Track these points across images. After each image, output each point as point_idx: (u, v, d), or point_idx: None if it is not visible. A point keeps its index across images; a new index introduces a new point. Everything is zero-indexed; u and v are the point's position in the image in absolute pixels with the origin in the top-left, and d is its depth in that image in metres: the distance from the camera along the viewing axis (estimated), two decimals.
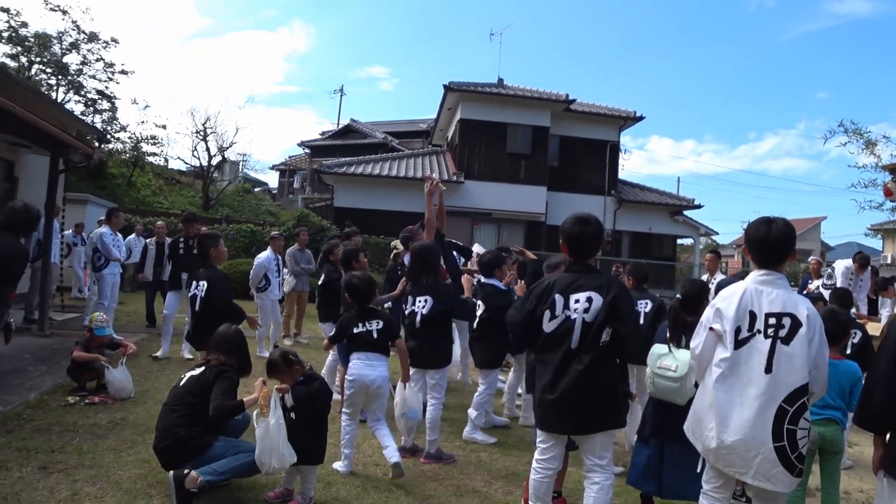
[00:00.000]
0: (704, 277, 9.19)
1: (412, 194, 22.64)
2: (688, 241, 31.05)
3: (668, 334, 4.67)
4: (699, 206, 26.28)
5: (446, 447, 5.63)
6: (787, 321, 3.14)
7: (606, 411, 3.62)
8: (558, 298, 3.67)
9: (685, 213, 26.45)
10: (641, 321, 5.72)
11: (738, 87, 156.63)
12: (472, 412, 6.13)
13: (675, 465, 4.28)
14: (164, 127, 28.43)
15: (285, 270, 10.40)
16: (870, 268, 10.10)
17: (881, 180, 10.22)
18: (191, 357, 8.23)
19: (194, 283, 5.93)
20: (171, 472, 4.04)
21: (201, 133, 28.39)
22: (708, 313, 3.39)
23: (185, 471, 3.99)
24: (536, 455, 3.84)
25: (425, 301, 5.43)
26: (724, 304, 3.29)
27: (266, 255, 9.57)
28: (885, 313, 9.03)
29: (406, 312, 5.59)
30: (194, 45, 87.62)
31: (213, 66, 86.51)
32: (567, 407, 3.62)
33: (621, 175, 26.81)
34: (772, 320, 3.16)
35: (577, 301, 3.60)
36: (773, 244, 3.30)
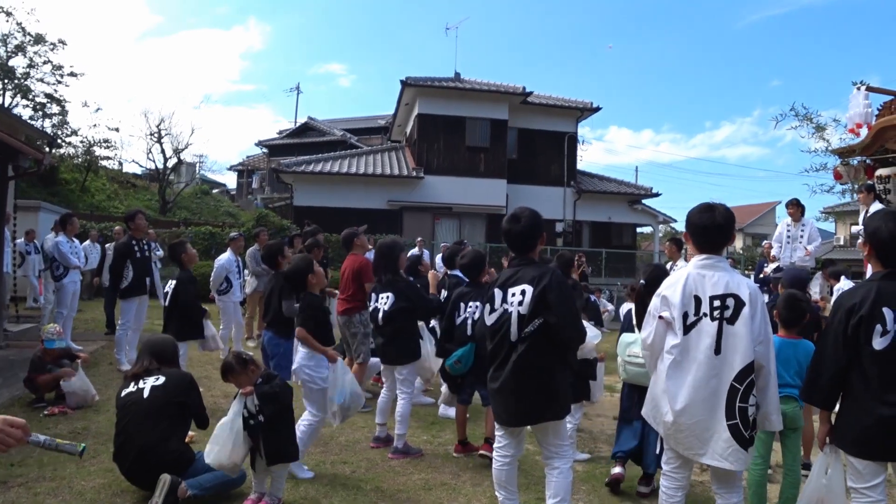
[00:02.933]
0: (668, 265, 9.39)
1: (371, 191, 22.60)
2: (647, 230, 31.53)
3: (633, 321, 4.78)
4: (657, 195, 26.68)
5: (414, 441, 5.66)
6: (731, 302, 3.25)
7: (544, 403, 3.65)
8: (497, 292, 3.78)
9: (644, 201, 26.82)
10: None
11: (694, 77, 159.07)
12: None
13: (656, 439, 4.43)
14: (117, 129, 27.98)
15: (246, 272, 10.30)
16: (812, 222, 10.40)
17: (831, 164, 10.45)
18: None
19: (169, 280, 6.75)
20: (167, 475, 4.03)
21: (156, 135, 27.98)
22: (655, 302, 3.47)
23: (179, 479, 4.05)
24: (495, 445, 3.91)
25: (387, 298, 5.45)
26: (670, 292, 3.38)
27: (226, 256, 9.46)
28: (815, 291, 9.25)
29: (370, 309, 5.62)
30: (146, 44, 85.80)
31: (167, 65, 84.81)
32: (506, 399, 3.71)
33: (580, 166, 27.08)
34: (716, 302, 3.26)
35: (513, 294, 3.68)
36: (717, 229, 3.40)
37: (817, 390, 3.36)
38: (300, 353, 4.85)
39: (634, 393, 4.69)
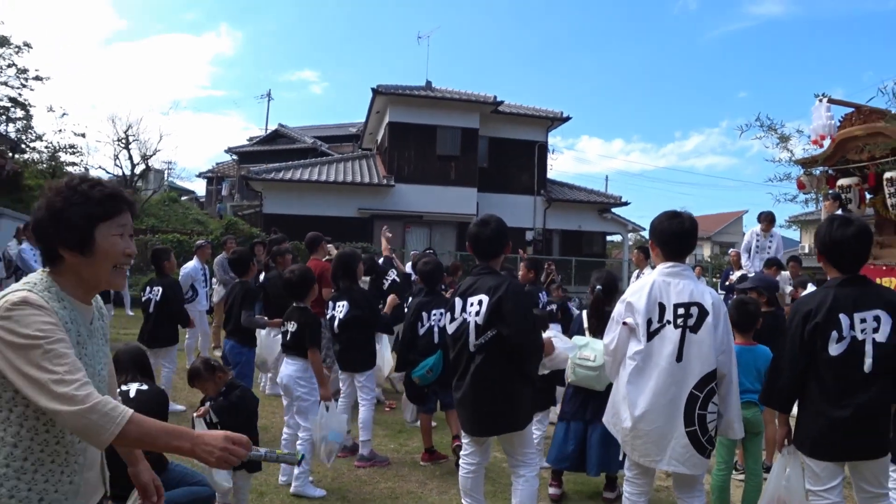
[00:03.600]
0: (635, 273, 9.50)
1: (342, 199, 22.51)
2: (617, 238, 31.75)
3: (584, 324, 4.83)
4: (626, 203, 26.92)
5: (381, 450, 5.64)
6: (694, 310, 3.29)
7: (502, 415, 3.64)
8: (457, 302, 3.78)
9: (613, 210, 27.03)
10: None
11: (664, 88, 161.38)
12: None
13: (599, 442, 4.49)
14: (83, 135, 27.19)
15: (214, 280, 10.19)
16: (779, 234, 10.62)
17: (795, 174, 10.63)
18: None
19: (148, 288, 6.93)
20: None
21: (123, 141, 27.46)
22: (619, 308, 3.49)
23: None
24: (461, 453, 3.92)
25: (343, 306, 5.46)
26: (635, 298, 3.40)
27: (192, 264, 9.33)
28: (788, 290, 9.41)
29: (328, 317, 5.65)
30: (114, 48, 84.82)
31: (135, 70, 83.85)
32: (468, 409, 3.72)
33: (550, 175, 27.24)
34: (680, 310, 3.30)
35: (471, 304, 3.68)
36: (684, 236, 3.45)
37: (776, 394, 3.44)
38: (292, 366, 4.81)
39: (578, 396, 4.74)
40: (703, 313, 3.28)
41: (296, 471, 4.55)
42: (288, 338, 4.86)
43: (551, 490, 4.83)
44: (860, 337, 3.14)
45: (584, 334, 4.84)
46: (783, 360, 3.38)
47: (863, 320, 3.15)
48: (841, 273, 3.30)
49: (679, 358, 3.26)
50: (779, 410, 3.50)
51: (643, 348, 3.34)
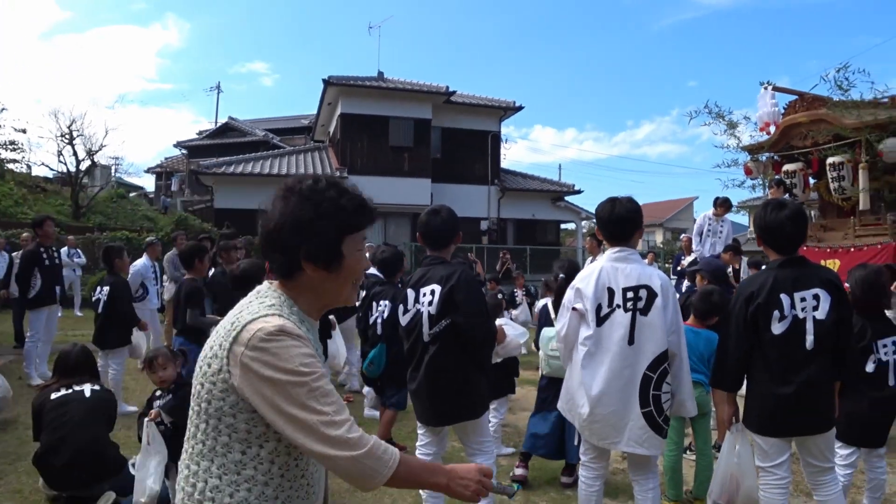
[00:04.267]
0: (588, 260, 9.60)
1: None
2: (571, 226, 32.09)
3: (551, 315, 4.87)
4: (579, 192, 27.22)
5: None
6: (643, 293, 3.36)
7: (458, 404, 3.66)
8: (410, 292, 3.77)
9: (567, 198, 27.29)
10: None
11: (616, 77, 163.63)
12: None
13: (574, 431, 4.50)
14: (24, 131, 26.37)
15: (164, 278, 9.99)
16: (729, 220, 10.87)
17: (742, 160, 10.90)
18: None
19: (98, 288, 6.77)
20: (111, 493, 3.93)
21: (67, 136, 26.65)
22: (569, 295, 3.54)
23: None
24: (417, 443, 3.93)
25: None
26: (583, 285, 3.46)
27: (142, 262, 9.14)
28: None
29: None
30: (56, 41, 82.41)
31: (78, 63, 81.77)
32: (423, 400, 3.73)
33: (504, 164, 27.35)
34: (629, 294, 3.36)
35: (424, 294, 3.68)
36: (617, 220, 3.52)
37: (724, 374, 3.54)
38: None
39: (553, 386, 4.78)
40: (652, 295, 3.35)
41: None
42: None
43: (518, 471, 4.88)
44: (801, 315, 3.25)
45: (551, 325, 4.87)
46: (729, 341, 3.48)
47: (803, 299, 3.26)
48: (779, 255, 3.40)
49: (631, 341, 3.33)
50: (726, 390, 3.59)
51: (593, 333, 3.39)
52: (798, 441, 3.39)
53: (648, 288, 3.36)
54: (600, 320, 3.39)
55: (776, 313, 3.26)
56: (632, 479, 3.62)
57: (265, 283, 1.73)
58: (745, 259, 9.76)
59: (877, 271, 4.30)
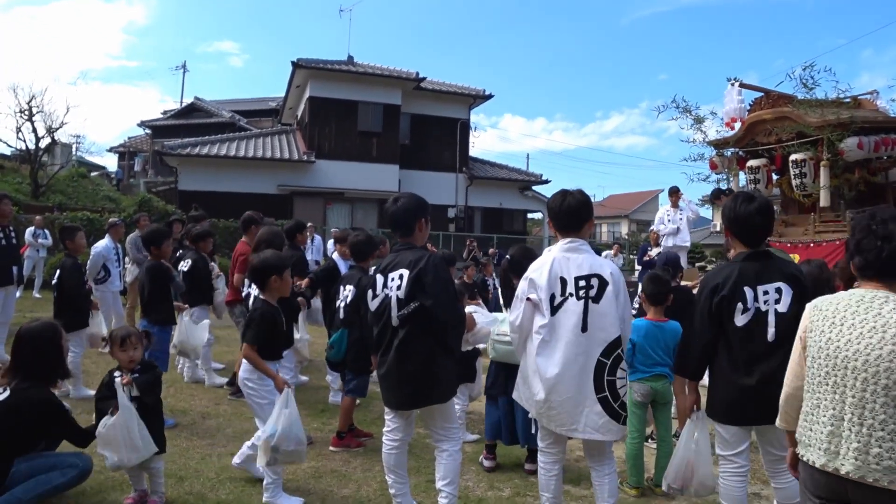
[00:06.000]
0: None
1: (261, 175, 22.06)
2: (538, 216, 32.28)
3: (500, 300, 4.94)
4: (547, 182, 27.45)
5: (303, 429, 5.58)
6: (595, 282, 3.46)
7: (428, 388, 3.69)
8: (379, 278, 3.82)
9: (534, 188, 27.45)
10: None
11: (587, 68, 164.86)
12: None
13: (524, 415, 4.55)
14: None
15: (127, 259, 9.83)
16: (689, 205, 11.15)
17: (708, 155, 11.06)
18: None
19: (58, 270, 6.57)
20: None
21: (26, 112, 25.99)
22: (523, 285, 3.63)
23: None
24: (384, 429, 3.93)
25: None
26: (537, 275, 3.55)
27: (104, 243, 8.94)
28: None
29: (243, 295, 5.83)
30: (16, 13, 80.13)
31: (39, 37, 79.66)
32: (391, 384, 3.76)
33: (473, 152, 27.40)
34: (581, 283, 3.46)
35: (392, 279, 3.72)
36: (568, 212, 3.63)
37: (687, 363, 3.65)
38: (244, 365, 4.26)
39: (502, 371, 4.85)
40: (603, 284, 3.46)
41: (265, 480, 4.15)
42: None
43: (486, 463, 4.96)
44: (763, 308, 3.32)
45: (500, 309, 4.93)
46: (693, 331, 3.56)
47: (765, 292, 3.33)
48: (747, 247, 3.48)
49: (584, 328, 3.42)
50: (689, 378, 3.70)
51: (548, 322, 3.47)
52: (758, 430, 3.46)
53: (600, 277, 3.46)
54: (554, 309, 3.47)
55: (739, 305, 3.33)
56: (589, 465, 3.72)
57: None
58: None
59: (820, 265, 4.50)
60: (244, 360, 4.24)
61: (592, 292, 3.44)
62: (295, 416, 3.96)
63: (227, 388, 6.79)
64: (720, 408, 3.47)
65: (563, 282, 3.47)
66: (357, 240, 5.64)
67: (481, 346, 4.89)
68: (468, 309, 4.52)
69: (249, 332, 4.20)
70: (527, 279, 3.60)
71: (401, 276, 3.68)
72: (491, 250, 15.14)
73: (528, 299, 3.55)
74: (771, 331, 3.31)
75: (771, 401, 3.32)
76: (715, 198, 9.83)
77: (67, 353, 4.11)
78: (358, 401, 5.72)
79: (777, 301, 3.33)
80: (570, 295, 3.45)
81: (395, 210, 3.86)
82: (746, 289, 3.34)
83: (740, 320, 3.34)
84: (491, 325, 4.78)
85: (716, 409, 3.50)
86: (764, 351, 3.32)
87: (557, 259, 3.54)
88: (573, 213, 3.62)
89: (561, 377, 3.41)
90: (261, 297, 4.39)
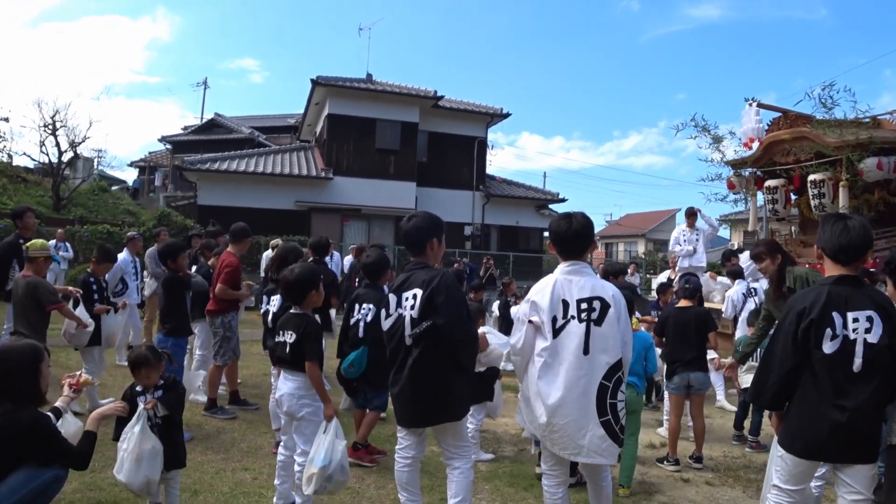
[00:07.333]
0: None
1: (279, 191, 22.22)
2: None
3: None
4: (563, 200, 27.45)
5: None
6: (597, 304, 3.45)
7: (441, 406, 3.69)
8: (392, 297, 3.82)
9: (551, 206, 27.43)
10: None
11: (605, 87, 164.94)
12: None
13: None
14: (6, 119, 26.11)
15: (145, 273, 9.92)
16: (707, 222, 11.12)
17: (725, 174, 11.04)
18: None
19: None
20: None
21: (50, 126, 26.37)
22: (524, 308, 3.63)
23: None
24: (396, 446, 3.93)
25: (277, 300, 5.60)
26: (539, 297, 3.54)
27: (122, 256, 9.03)
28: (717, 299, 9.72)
29: (262, 311, 5.78)
30: (42, 28, 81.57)
31: (64, 52, 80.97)
32: (405, 403, 3.77)
33: (490, 170, 27.47)
34: (584, 305, 3.45)
35: (406, 299, 3.74)
36: (575, 237, 3.61)
37: (763, 392, 3.34)
38: (292, 383, 4.12)
39: None
40: (605, 307, 3.44)
41: (297, 500, 4.14)
42: (287, 350, 4.12)
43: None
44: (852, 336, 3.08)
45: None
46: (773, 357, 3.29)
47: (855, 320, 3.09)
48: (840, 268, 3.23)
49: (586, 351, 3.40)
50: (766, 409, 3.52)
51: (550, 344, 3.46)
52: (838, 468, 3.18)
53: (602, 299, 3.45)
54: (556, 332, 3.46)
55: (828, 331, 3.09)
56: (586, 476, 3.84)
57: None
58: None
59: None
60: (291, 378, 4.12)
61: (594, 315, 3.43)
62: (344, 445, 3.98)
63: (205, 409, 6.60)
64: (801, 439, 3.19)
65: (566, 304, 3.48)
66: (368, 261, 5.71)
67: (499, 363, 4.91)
68: (481, 330, 4.53)
69: (312, 347, 4.06)
70: (528, 301, 3.61)
71: (414, 296, 3.69)
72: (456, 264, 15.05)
73: (529, 322, 3.55)
74: (858, 361, 3.06)
75: (860, 438, 3.09)
76: (726, 259, 9.75)
77: (48, 378, 3.62)
78: (383, 414, 5.74)
79: (868, 330, 3.08)
80: (572, 317, 3.45)
81: (408, 229, 3.88)
82: (836, 314, 3.09)
83: (829, 347, 3.08)
84: (504, 347, 4.75)
85: (794, 441, 3.22)
86: (850, 382, 3.07)
87: (559, 281, 3.54)
88: (578, 238, 3.62)
89: (563, 400, 3.40)
90: (297, 311, 4.25)
